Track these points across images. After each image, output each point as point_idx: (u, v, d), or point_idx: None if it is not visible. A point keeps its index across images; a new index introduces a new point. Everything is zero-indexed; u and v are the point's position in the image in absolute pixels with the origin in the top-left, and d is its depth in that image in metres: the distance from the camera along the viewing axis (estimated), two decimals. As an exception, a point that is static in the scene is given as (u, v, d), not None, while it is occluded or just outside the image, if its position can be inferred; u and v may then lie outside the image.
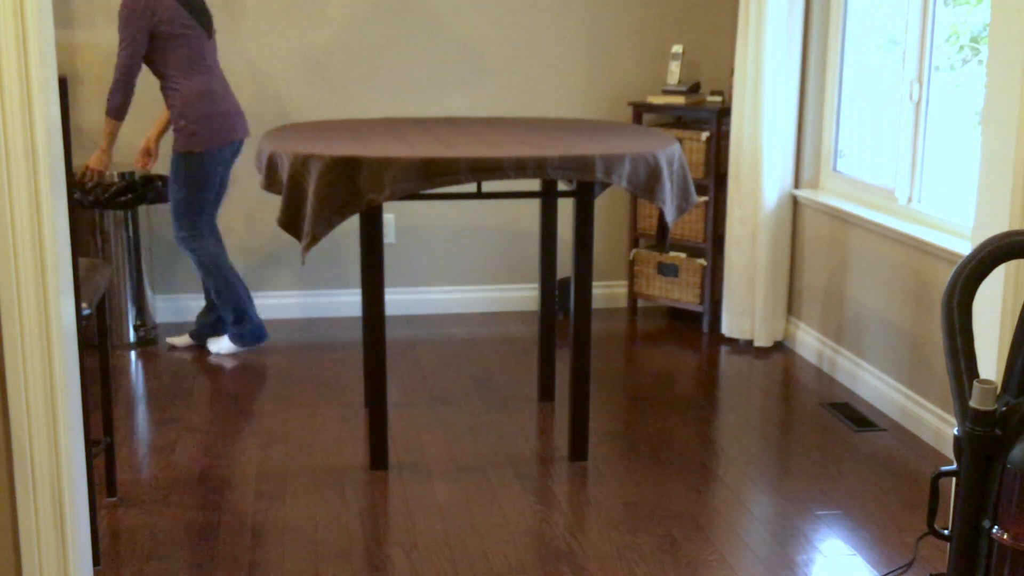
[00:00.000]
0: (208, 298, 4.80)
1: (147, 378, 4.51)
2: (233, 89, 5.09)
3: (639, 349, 5.00)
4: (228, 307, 4.71)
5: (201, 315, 4.85)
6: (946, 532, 2.30)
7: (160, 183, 4.78)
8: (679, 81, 5.11)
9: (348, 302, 5.26)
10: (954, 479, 2.26)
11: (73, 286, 2.49)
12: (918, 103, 4.09)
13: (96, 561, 2.93)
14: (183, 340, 4.85)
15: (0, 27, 2.14)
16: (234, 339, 4.77)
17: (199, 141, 4.47)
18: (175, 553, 3.08)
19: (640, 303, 5.42)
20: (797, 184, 4.85)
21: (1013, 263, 2.74)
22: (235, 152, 4.65)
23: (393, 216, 5.28)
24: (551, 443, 3.88)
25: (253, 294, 5.27)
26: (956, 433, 2.22)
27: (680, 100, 5.07)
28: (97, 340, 3.34)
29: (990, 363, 2.80)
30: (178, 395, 4.30)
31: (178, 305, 5.19)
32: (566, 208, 4.64)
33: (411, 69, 5.19)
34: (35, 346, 2.28)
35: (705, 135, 5.00)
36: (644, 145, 3.59)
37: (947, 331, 2.23)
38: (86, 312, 2.88)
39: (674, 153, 3.59)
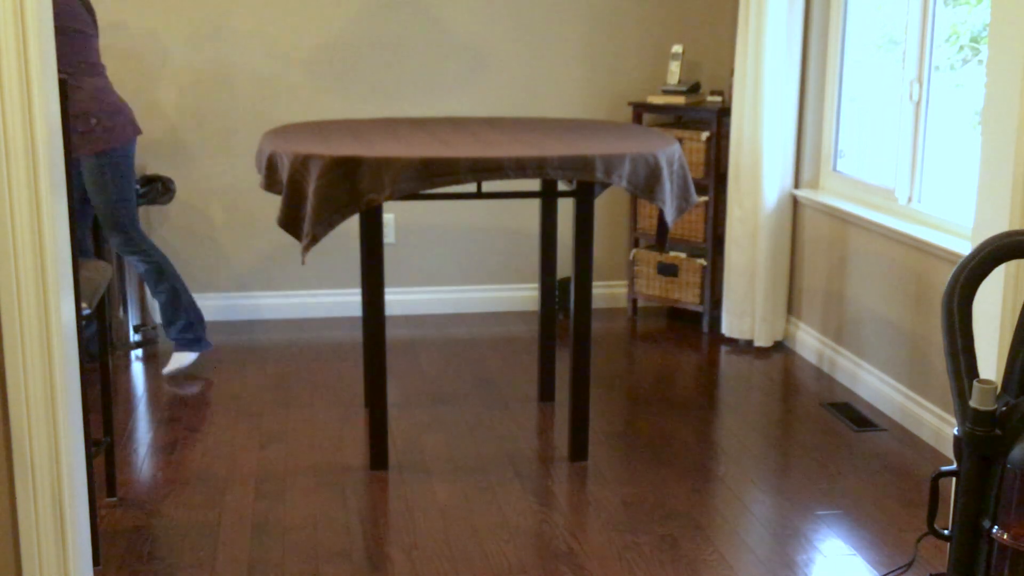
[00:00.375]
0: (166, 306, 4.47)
1: (147, 378, 4.51)
2: (233, 89, 5.10)
3: (639, 349, 5.00)
4: (183, 310, 4.45)
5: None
6: (946, 532, 2.30)
7: (160, 183, 4.77)
8: (679, 81, 5.11)
9: (348, 302, 5.26)
10: (954, 479, 2.26)
11: (73, 286, 2.49)
12: (918, 103, 4.09)
13: (96, 561, 2.93)
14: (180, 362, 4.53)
15: (0, 27, 2.14)
16: (192, 345, 4.50)
17: (117, 136, 4.20)
18: (175, 553, 3.08)
19: (640, 303, 5.42)
20: (797, 184, 4.85)
21: (1013, 263, 2.74)
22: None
23: (393, 216, 5.28)
24: (551, 443, 3.88)
25: (253, 294, 5.28)
26: (956, 433, 2.22)
27: (680, 100, 5.07)
28: (97, 340, 3.34)
29: (990, 363, 2.80)
30: (178, 395, 4.30)
31: (178, 305, 5.19)
32: (566, 208, 4.64)
33: (411, 69, 5.19)
34: (35, 346, 2.28)
35: (705, 135, 5.00)
36: (644, 145, 3.59)
37: (947, 331, 2.23)
38: (86, 312, 2.88)
39: (674, 153, 3.59)
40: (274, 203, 4.76)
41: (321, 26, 5.09)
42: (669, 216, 3.59)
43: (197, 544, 3.13)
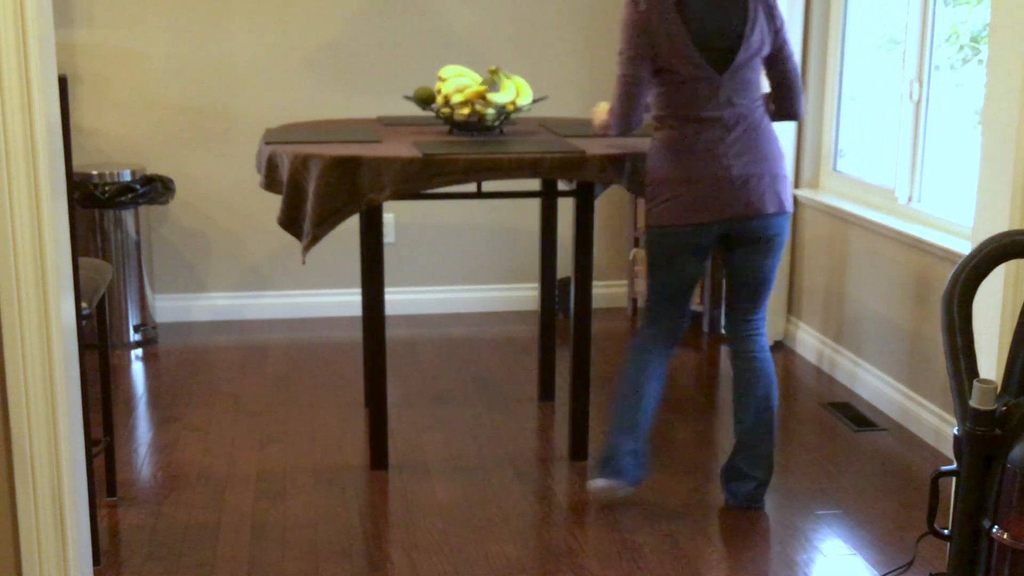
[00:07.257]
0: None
1: (147, 378, 4.51)
2: (233, 89, 5.09)
3: (639, 349, 4.99)
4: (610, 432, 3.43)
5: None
6: (946, 532, 2.30)
7: (160, 183, 4.77)
8: (679, 81, 5.10)
9: (348, 302, 5.25)
10: (954, 479, 2.26)
11: (73, 286, 2.49)
12: (918, 103, 4.08)
13: (96, 561, 2.93)
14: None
15: (0, 27, 2.14)
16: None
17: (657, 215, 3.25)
18: (175, 553, 3.08)
19: (640, 303, 5.42)
20: (797, 184, 4.85)
21: (1013, 263, 2.74)
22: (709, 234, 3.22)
23: (393, 216, 5.28)
24: (551, 443, 3.88)
25: (253, 294, 5.28)
26: (956, 433, 2.22)
27: (680, 100, 5.06)
28: (97, 340, 3.34)
29: (990, 363, 2.80)
30: (178, 395, 4.29)
31: (178, 305, 5.19)
32: (566, 208, 4.63)
33: (411, 69, 5.18)
34: (35, 346, 2.28)
35: (705, 135, 4.99)
36: (644, 145, 3.59)
37: (947, 331, 2.23)
38: (86, 312, 2.88)
39: (674, 153, 3.58)
40: (274, 203, 4.76)
41: (321, 26, 5.09)
42: (669, 216, 3.58)
43: (197, 544, 3.13)
